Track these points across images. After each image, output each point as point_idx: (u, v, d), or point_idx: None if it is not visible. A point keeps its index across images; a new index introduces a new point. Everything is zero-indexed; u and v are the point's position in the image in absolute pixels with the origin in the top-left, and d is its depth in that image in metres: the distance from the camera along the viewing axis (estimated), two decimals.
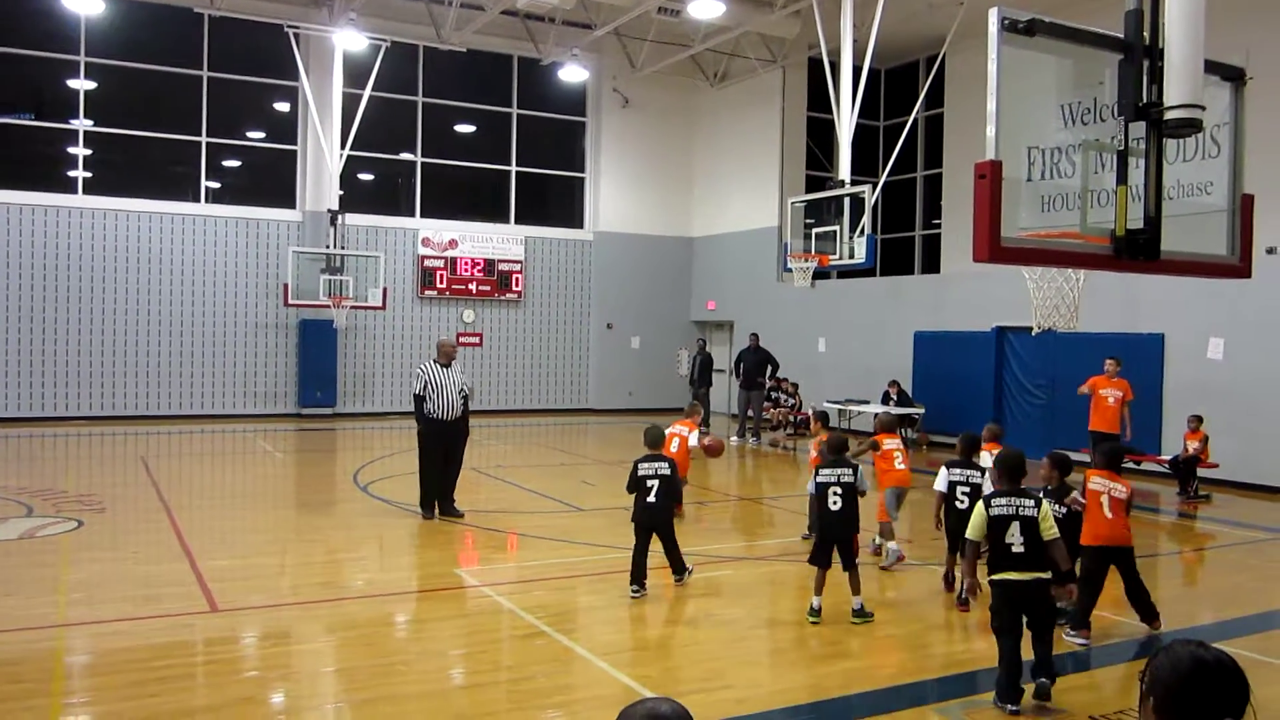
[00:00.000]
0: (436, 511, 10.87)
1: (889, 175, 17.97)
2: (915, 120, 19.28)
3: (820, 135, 23.17)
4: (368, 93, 21.31)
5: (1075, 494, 7.34)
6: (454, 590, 8.28)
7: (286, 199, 22.22)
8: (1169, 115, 4.03)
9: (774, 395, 19.79)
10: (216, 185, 21.85)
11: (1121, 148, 4.20)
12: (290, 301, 20.84)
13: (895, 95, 23.84)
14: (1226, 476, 13.96)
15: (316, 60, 21.42)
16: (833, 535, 7.32)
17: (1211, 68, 4.32)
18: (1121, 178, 4.19)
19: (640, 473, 8.01)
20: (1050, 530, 5.85)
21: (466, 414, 11.10)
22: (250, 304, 21.58)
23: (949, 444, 17.80)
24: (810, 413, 11.79)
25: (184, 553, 9.02)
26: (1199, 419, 13.63)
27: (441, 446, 10.93)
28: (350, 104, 21.35)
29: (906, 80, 23.26)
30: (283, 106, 22.43)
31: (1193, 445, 13.59)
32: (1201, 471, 13.54)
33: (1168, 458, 13.97)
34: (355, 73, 21.44)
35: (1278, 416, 13.99)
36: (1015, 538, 5.77)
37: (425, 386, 10.84)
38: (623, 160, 25.42)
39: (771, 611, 7.98)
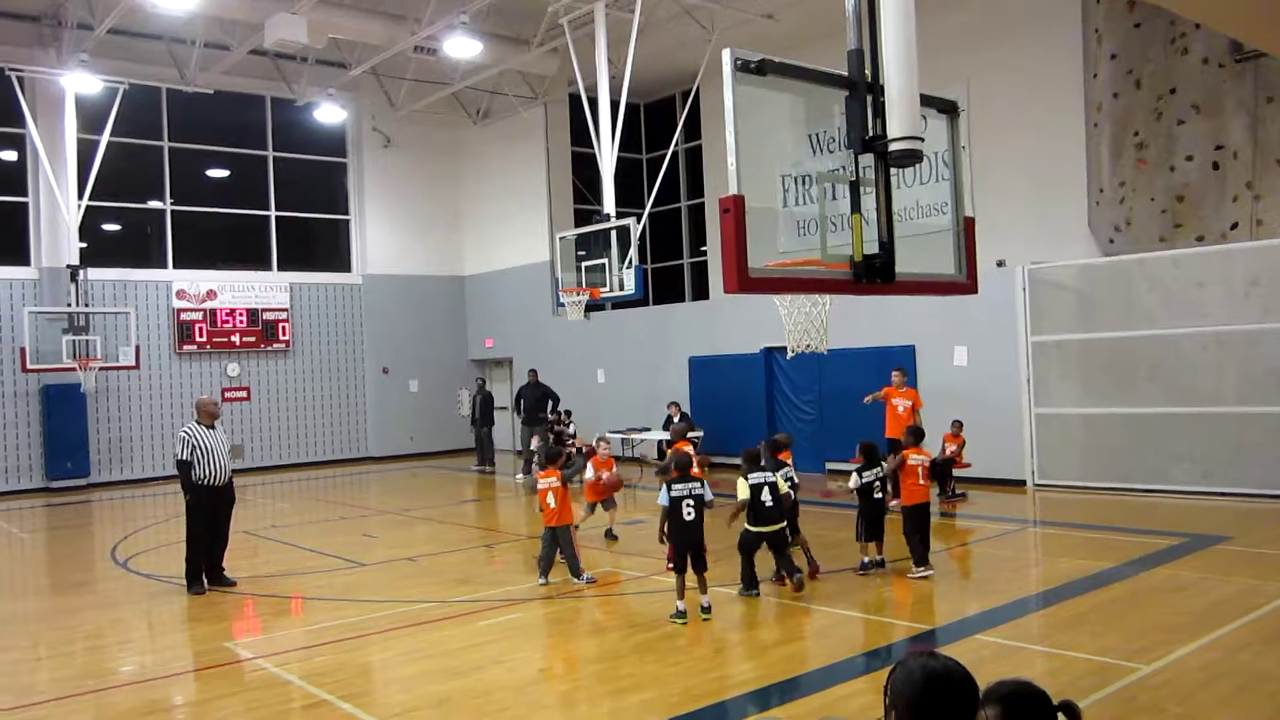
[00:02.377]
0: (206, 583, 10.23)
1: (654, 206, 18.44)
2: (675, 153, 19.89)
3: (586, 169, 23.52)
4: (105, 138, 19.98)
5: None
6: (229, 665, 7.78)
7: (19, 255, 20.49)
8: (892, 147, 4.30)
9: (556, 430, 19.81)
10: None
11: (853, 178, 4.45)
12: (29, 367, 19.21)
13: (655, 129, 24.54)
14: (979, 474, 15.02)
15: (45, 105, 19.93)
16: (688, 541, 8.26)
17: (928, 101, 4.65)
18: (855, 206, 4.44)
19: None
20: (784, 489, 8.88)
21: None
22: None
23: (730, 464, 18.37)
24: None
25: None
26: (959, 424, 14.55)
27: (211, 513, 10.31)
28: (87, 150, 19.96)
29: (665, 114, 23.98)
30: (9, 155, 20.71)
31: (951, 448, 14.52)
32: (957, 471, 14.51)
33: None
34: (91, 117, 20.08)
35: (1016, 415, 15.20)
36: (766, 497, 8.63)
37: (192, 451, 10.18)
38: (388, 200, 24.95)
39: (565, 650, 7.94)
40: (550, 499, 9.70)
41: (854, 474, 9.77)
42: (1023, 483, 15.18)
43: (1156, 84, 14.66)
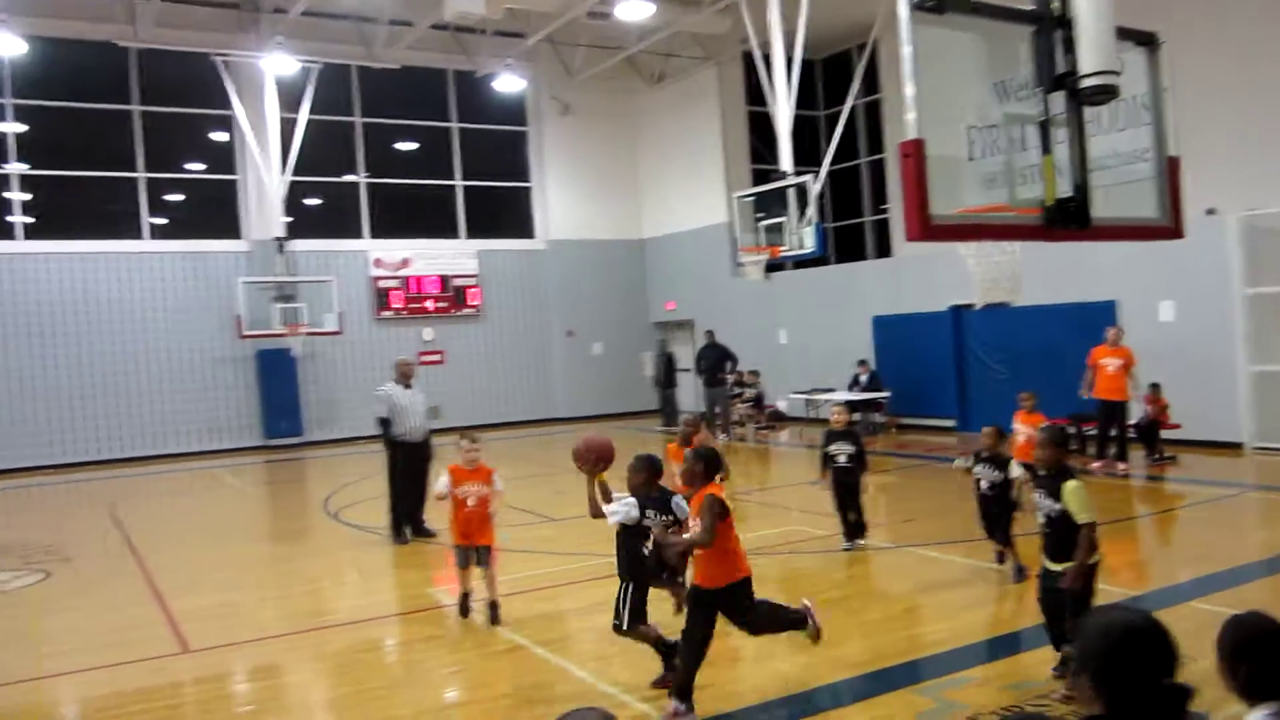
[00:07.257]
0: (409, 534, 10.83)
1: (832, 164, 18.09)
2: (853, 108, 19.41)
3: (761, 128, 23.26)
4: (304, 116, 21.17)
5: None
6: (433, 610, 8.26)
7: (232, 230, 22.00)
8: (1085, 83, 4.08)
9: (736, 390, 19.87)
10: (160, 221, 21.56)
11: (1044, 118, 4.27)
12: (245, 333, 20.64)
13: (832, 84, 24.03)
14: (1188, 436, 14.14)
15: (248, 86, 21.22)
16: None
17: (1124, 34, 4.38)
18: (1046, 148, 4.25)
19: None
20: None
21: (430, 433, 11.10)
22: (204, 338, 21.30)
23: (917, 425, 17.98)
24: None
25: (154, 596, 8.91)
26: (1156, 386, 13.78)
27: (410, 468, 10.89)
28: (287, 128, 21.18)
29: (841, 69, 23.42)
30: (219, 136, 22.20)
31: (1151, 410, 13.74)
32: (1166, 433, 13.71)
33: (1133, 422, 14.06)
34: (289, 96, 21.28)
35: (1229, 373, 14.22)
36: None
37: (390, 409, 10.80)
38: (568, 167, 25.43)
39: None
40: None
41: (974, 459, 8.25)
42: (1239, 445, 14.19)
43: None
